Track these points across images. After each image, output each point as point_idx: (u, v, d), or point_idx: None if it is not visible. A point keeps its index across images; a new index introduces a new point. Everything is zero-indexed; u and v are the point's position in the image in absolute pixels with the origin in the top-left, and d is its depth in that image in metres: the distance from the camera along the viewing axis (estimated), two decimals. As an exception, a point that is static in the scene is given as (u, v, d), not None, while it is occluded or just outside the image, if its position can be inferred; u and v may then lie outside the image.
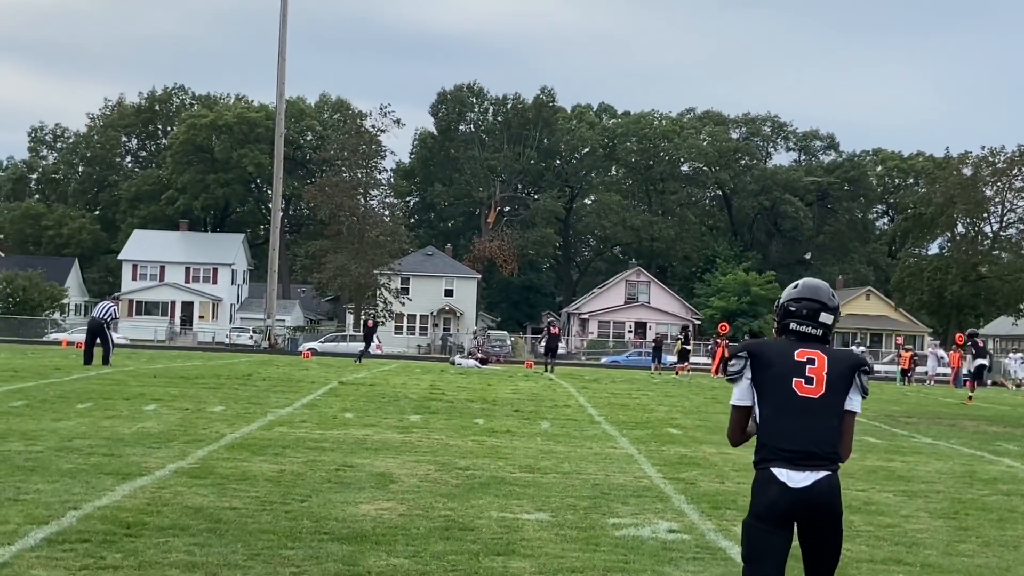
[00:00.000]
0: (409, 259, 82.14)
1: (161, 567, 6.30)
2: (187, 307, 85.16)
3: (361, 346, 44.93)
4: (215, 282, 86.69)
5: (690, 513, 8.95)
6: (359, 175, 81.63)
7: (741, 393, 4.56)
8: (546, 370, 38.55)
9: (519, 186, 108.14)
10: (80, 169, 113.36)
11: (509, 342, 72.88)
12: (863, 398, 4.50)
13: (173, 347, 61.65)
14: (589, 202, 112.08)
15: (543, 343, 43.52)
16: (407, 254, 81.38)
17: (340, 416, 16.24)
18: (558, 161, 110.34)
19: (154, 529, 7.30)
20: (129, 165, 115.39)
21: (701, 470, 11.83)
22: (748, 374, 4.49)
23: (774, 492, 4.33)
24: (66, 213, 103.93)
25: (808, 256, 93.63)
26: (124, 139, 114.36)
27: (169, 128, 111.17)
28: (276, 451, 11.67)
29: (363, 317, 63.52)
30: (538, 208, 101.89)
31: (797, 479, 4.31)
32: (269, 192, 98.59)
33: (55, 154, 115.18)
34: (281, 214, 69.30)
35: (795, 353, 4.47)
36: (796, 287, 4.72)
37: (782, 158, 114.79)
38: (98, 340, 27.34)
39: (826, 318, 4.57)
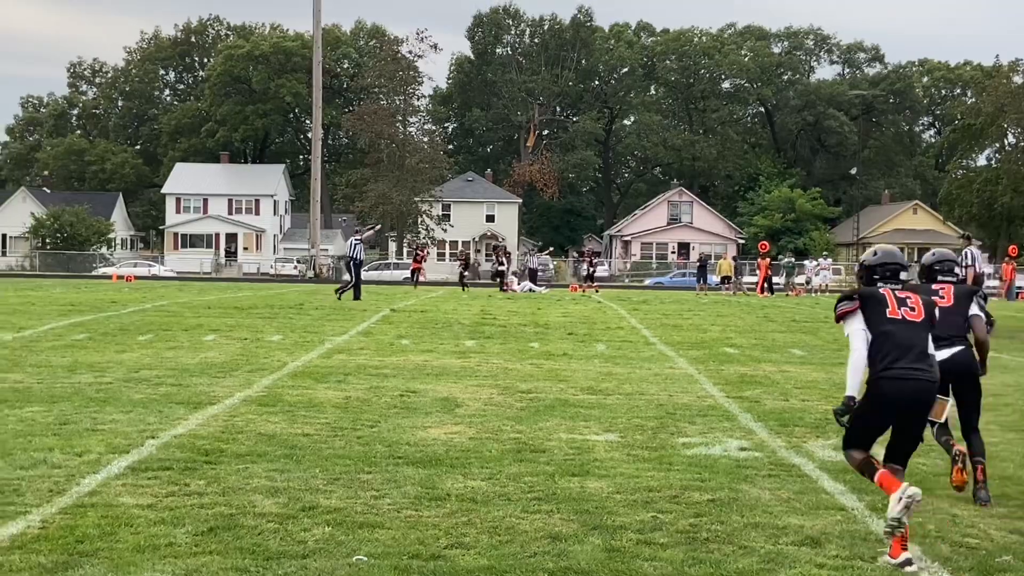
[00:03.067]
0: (449, 185, 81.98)
1: (245, 492, 6.40)
2: (231, 239, 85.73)
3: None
4: (258, 213, 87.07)
5: (758, 431, 8.97)
6: (397, 102, 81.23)
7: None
8: (596, 292, 39.76)
9: (558, 109, 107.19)
10: (120, 104, 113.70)
11: (552, 266, 72.86)
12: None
13: (219, 279, 62.21)
14: (629, 123, 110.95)
15: (585, 268, 44.17)
16: (447, 180, 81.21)
17: (397, 343, 16.39)
18: (596, 82, 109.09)
19: (232, 456, 7.42)
20: (168, 99, 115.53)
21: (764, 388, 11.83)
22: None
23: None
24: (108, 148, 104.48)
25: (853, 171, 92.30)
26: (162, 72, 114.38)
27: (206, 60, 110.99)
28: (339, 378, 11.81)
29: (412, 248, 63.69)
30: (577, 130, 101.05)
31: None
32: (308, 122, 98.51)
33: (94, 89, 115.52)
34: (320, 143, 69.12)
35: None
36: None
37: (825, 72, 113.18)
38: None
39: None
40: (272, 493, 6.40)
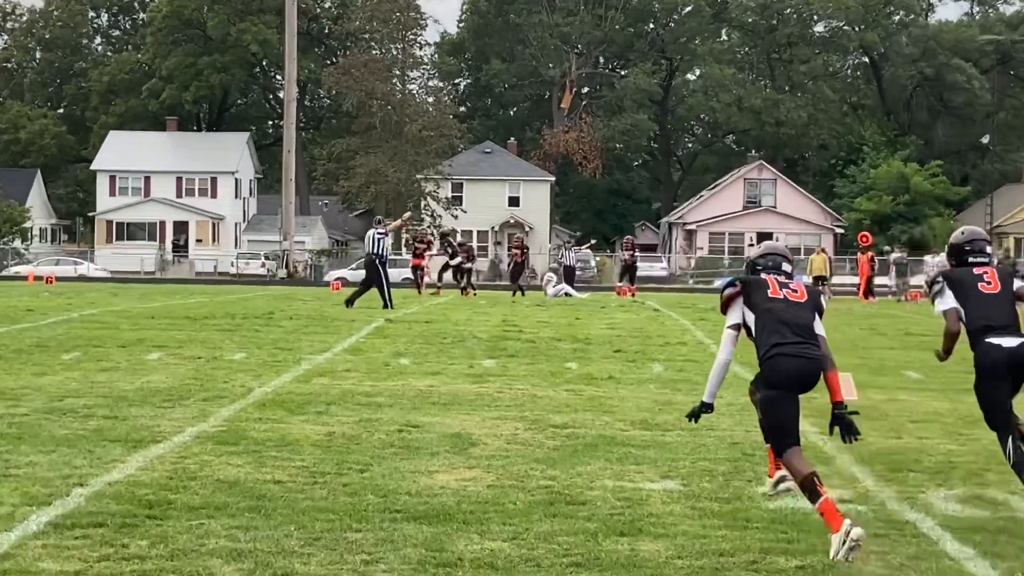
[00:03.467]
0: (461, 159, 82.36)
1: (199, 556, 6.46)
2: (180, 228, 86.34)
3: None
4: (214, 196, 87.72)
5: (862, 477, 8.98)
6: (394, 51, 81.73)
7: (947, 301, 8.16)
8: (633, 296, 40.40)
9: (601, 60, 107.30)
10: (38, 55, 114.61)
11: (594, 263, 72.96)
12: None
13: (165, 279, 62.69)
14: (693, 78, 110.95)
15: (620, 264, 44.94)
16: (458, 153, 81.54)
17: (394, 363, 16.51)
18: (651, 26, 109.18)
19: (183, 509, 7.49)
20: (100, 49, 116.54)
21: (869, 422, 11.75)
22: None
23: (996, 353, 7.85)
24: (22, 112, 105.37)
25: (985, 140, 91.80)
26: (92, 15, 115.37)
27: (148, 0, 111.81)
28: (319, 409, 11.93)
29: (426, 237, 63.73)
30: (627, 88, 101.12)
31: (1010, 342, 7.88)
32: (279, 78, 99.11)
33: (5, 37, 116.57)
34: (295, 105, 69.56)
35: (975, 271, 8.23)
36: (963, 233, 8.53)
37: (948, 11, 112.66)
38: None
39: (989, 249, 8.52)
40: (234, 557, 6.46)
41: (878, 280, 48.77)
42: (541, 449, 9.94)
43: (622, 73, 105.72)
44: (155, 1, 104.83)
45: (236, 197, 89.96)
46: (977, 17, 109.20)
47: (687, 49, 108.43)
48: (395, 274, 63.36)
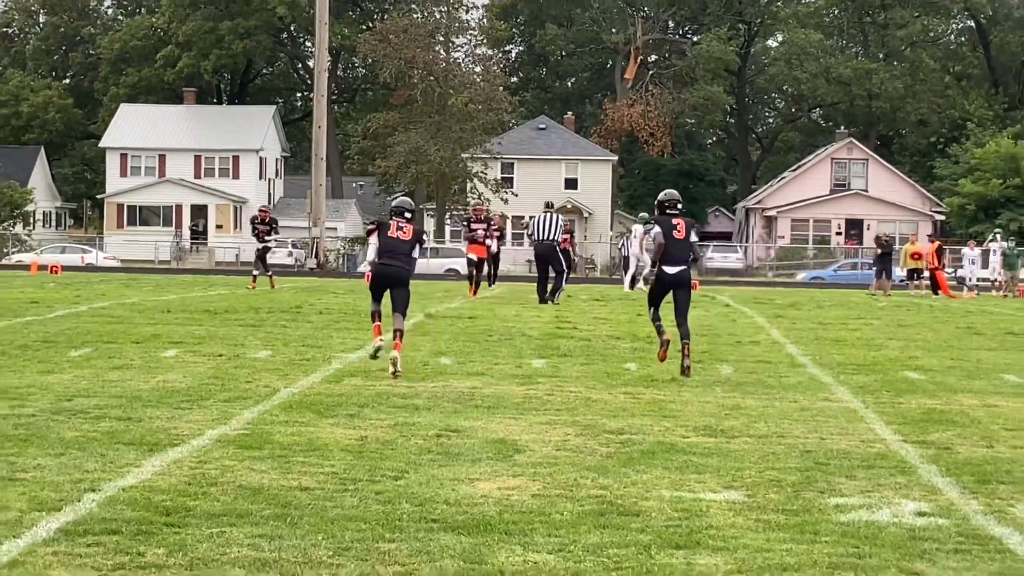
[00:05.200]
0: (512, 136, 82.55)
1: (220, 565, 6.74)
2: (198, 212, 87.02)
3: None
4: (236, 176, 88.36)
5: (946, 489, 9.16)
6: (437, 15, 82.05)
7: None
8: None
9: (670, 24, 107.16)
10: (41, 19, 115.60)
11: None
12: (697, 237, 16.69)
13: (182, 270, 63.24)
14: (775, 45, 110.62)
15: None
16: (509, 129, 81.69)
17: (433, 362, 16.81)
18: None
19: (203, 516, 7.78)
20: (110, 12, 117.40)
21: (959, 429, 12.01)
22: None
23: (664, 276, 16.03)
24: (24, 83, 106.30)
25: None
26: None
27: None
28: (350, 411, 12.21)
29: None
30: (699, 56, 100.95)
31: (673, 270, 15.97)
32: (308, 45, 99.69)
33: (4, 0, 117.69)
34: (327, 76, 69.95)
35: (672, 220, 16.17)
36: (665, 193, 16.68)
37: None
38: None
39: (680, 206, 16.52)
40: (258, 567, 6.73)
41: (982, 273, 48.66)
42: (593, 456, 10.17)
43: (694, 39, 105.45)
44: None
45: (260, 178, 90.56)
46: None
47: (768, 11, 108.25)
48: (435, 264, 64.32)
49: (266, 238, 37.71)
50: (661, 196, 16.39)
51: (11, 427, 10.87)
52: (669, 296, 15.98)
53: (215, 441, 10.41)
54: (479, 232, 34.69)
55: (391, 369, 14.91)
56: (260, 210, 42.70)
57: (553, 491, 8.77)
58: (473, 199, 76.79)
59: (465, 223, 38.24)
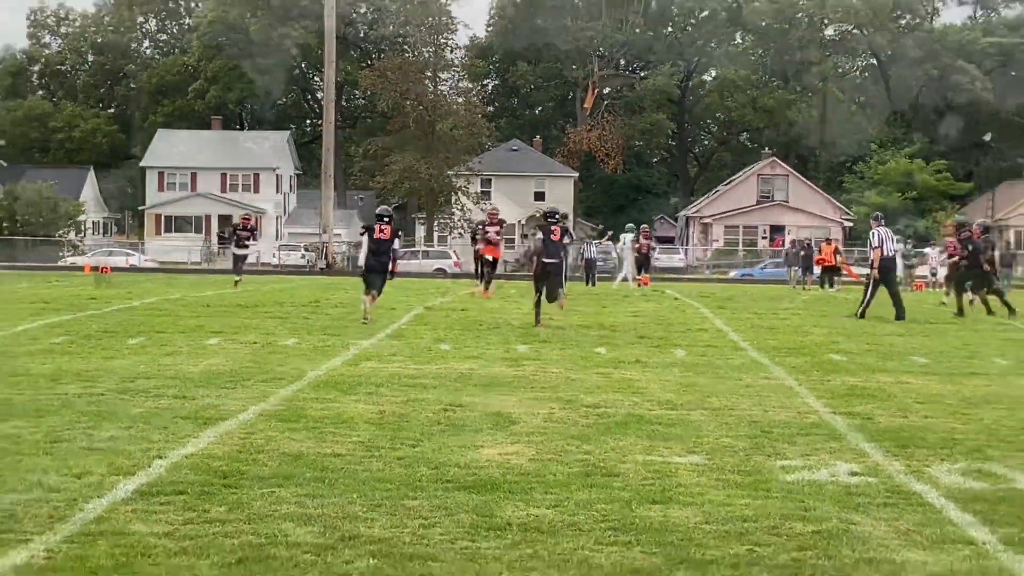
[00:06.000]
0: (490, 156, 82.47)
1: (273, 520, 6.79)
2: (225, 221, 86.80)
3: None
4: (257, 191, 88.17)
5: (872, 453, 9.24)
6: (427, 54, 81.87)
7: None
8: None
9: (622, 62, 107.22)
10: (90, 59, 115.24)
11: (615, 253, 72.93)
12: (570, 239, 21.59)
13: (212, 270, 63.07)
14: (709, 79, 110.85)
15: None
16: (487, 150, 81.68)
17: (435, 347, 16.82)
18: (670, 30, 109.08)
19: (254, 479, 7.82)
20: (148, 52, 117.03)
21: (878, 402, 12.09)
22: None
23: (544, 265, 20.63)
24: (76, 112, 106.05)
25: (987, 138, 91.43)
26: (141, 20, 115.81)
27: (194, 5, 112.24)
28: (369, 389, 12.22)
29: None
30: (647, 89, 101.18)
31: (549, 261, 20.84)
32: (317, 81, 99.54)
33: (59, 41, 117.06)
34: (333, 106, 69.84)
35: (551, 227, 20.41)
36: (548, 208, 22.48)
37: (952, 14, 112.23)
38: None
39: (557, 216, 21.33)
40: (305, 521, 6.79)
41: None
42: (576, 427, 10.22)
43: (642, 75, 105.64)
44: (200, 7, 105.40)
45: (277, 192, 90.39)
46: (980, 20, 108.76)
47: (704, 51, 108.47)
48: (427, 265, 64.38)
49: (246, 242, 36.67)
50: (544, 210, 21.36)
51: (85, 404, 10.90)
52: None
53: (258, 416, 10.45)
54: (492, 234, 31.83)
55: (365, 318, 20.39)
56: (242, 217, 42.02)
57: (545, 456, 8.84)
58: (457, 210, 77.10)
59: (480, 225, 34.59)
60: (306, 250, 74.11)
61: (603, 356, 16.14)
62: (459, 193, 77.10)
